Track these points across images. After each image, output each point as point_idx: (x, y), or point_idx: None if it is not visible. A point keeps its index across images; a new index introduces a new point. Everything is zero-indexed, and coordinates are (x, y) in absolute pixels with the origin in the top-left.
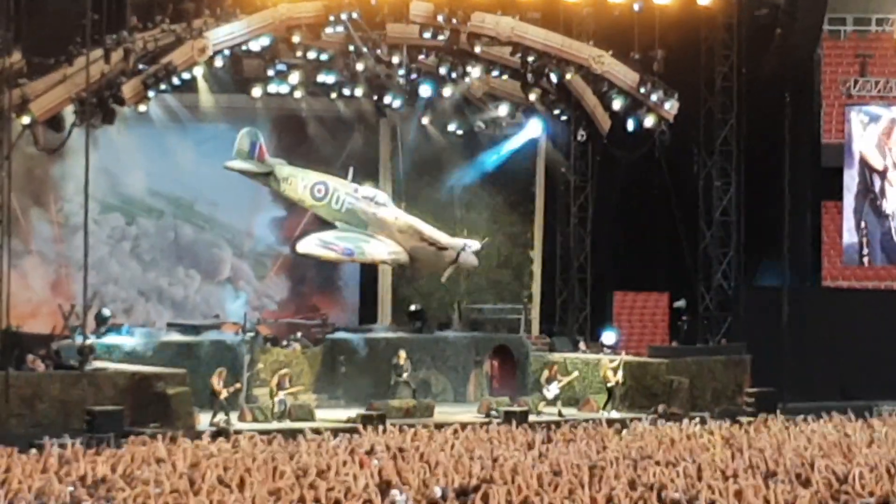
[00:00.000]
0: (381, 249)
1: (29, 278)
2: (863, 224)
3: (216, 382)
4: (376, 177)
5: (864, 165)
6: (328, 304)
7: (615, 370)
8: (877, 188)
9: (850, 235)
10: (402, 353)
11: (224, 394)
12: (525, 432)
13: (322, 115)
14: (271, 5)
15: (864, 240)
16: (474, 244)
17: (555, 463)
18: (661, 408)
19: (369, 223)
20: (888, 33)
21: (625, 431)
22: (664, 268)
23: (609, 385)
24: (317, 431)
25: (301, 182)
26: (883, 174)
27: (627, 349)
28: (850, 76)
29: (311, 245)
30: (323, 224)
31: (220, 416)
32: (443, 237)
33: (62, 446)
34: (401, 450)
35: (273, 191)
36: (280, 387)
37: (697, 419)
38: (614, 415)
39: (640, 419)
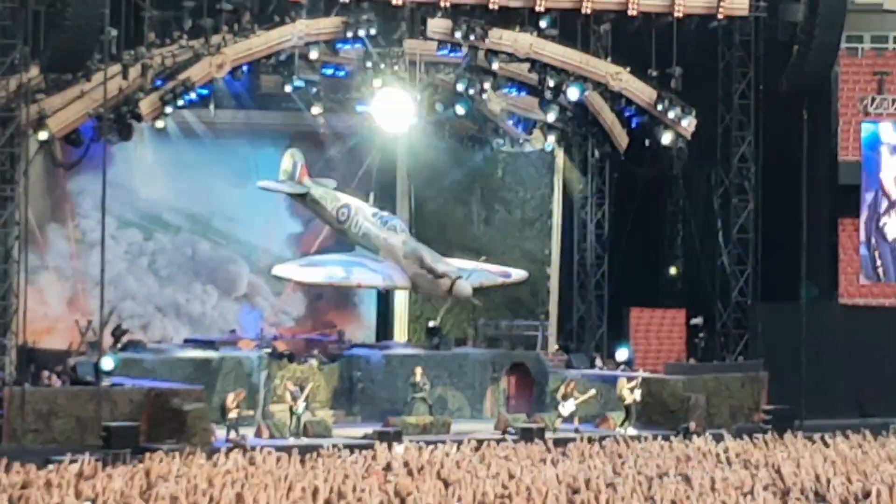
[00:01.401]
0: (372, 277)
1: (46, 294)
2: (873, 240)
3: (230, 401)
4: (394, 192)
5: (881, 188)
6: (345, 320)
7: (632, 389)
8: (881, 209)
9: (864, 248)
10: (419, 370)
11: (234, 413)
12: (541, 449)
13: (340, 132)
14: (289, 22)
15: (877, 253)
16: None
17: (571, 480)
18: (691, 425)
19: (380, 248)
20: None
21: (640, 448)
22: (681, 284)
23: (626, 403)
24: (333, 447)
25: (329, 204)
26: (892, 204)
27: (644, 366)
28: (867, 94)
29: (289, 268)
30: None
31: (234, 434)
32: (440, 265)
33: (79, 462)
34: (418, 466)
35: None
36: (294, 397)
37: (711, 436)
38: (631, 431)
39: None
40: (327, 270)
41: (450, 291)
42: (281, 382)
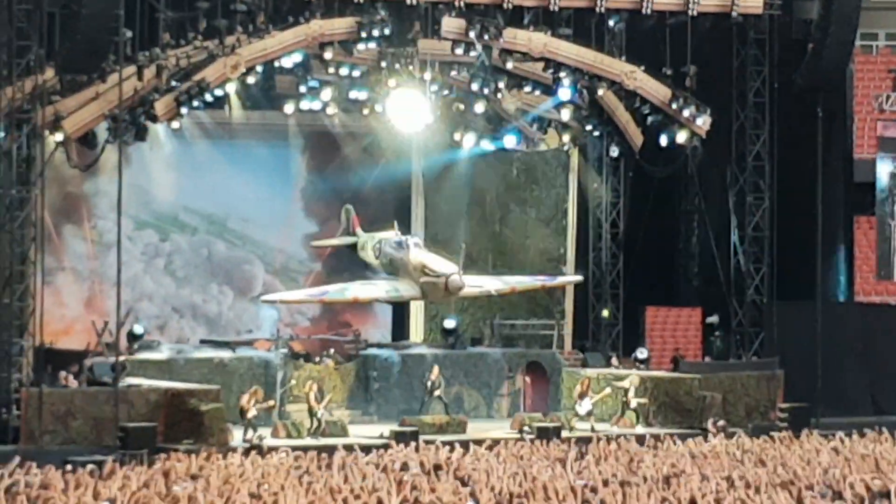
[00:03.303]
0: (373, 290)
1: (63, 295)
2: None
3: (245, 400)
4: (408, 192)
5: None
6: (361, 320)
7: (626, 391)
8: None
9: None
10: (436, 369)
11: (252, 412)
12: (558, 448)
13: (354, 132)
14: (303, 22)
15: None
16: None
17: (588, 479)
18: (720, 423)
19: (400, 268)
20: None
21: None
22: (697, 283)
23: (627, 404)
24: (349, 448)
25: (369, 244)
26: None
27: (660, 365)
28: (882, 91)
29: (278, 295)
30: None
31: (251, 433)
32: (437, 265)
33: (97, 463)
34: (435, 466)
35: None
36: (317, 399)
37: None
38: (638, 430)
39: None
40: (321, 289)
41: (446, 289)
42: (298, 383)
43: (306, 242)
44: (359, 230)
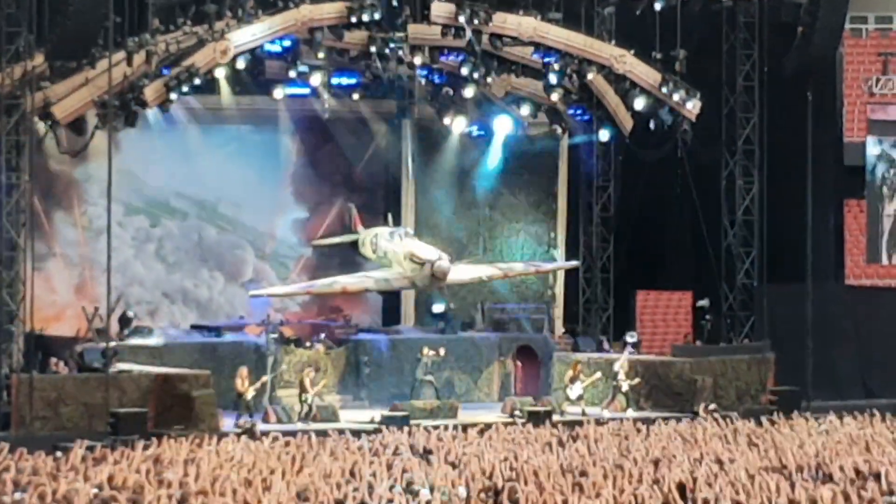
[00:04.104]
0: (362, 281)
1: (53, 281)
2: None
3: (239, 384)
4: (399, 177)
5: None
6: (351, 305)
7: (627, 374)
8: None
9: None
10: (426, 349)
11: (250, 392)
12: (549, 432)
13: (344, 117)
14: (293, 7)
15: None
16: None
17: (579, 463)
18: (712, 406)
19: (392, 260)
20: None
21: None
22: (687, 267)
23: (623, 390)
24: (341, 432)
25: (368, 240)
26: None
27: (651, 349)
28: (871, 75)
29: (266, 289)
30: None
31: (245, 418)
32: (423, 251)
33: (88, 448)
34: (426, 450)
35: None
36: (312, 384)
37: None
38: (629, 413)
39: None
40: (309, 283)
41: (433, 275)
42: (289, 368)
43: (297, 227)
44: (360, 228)
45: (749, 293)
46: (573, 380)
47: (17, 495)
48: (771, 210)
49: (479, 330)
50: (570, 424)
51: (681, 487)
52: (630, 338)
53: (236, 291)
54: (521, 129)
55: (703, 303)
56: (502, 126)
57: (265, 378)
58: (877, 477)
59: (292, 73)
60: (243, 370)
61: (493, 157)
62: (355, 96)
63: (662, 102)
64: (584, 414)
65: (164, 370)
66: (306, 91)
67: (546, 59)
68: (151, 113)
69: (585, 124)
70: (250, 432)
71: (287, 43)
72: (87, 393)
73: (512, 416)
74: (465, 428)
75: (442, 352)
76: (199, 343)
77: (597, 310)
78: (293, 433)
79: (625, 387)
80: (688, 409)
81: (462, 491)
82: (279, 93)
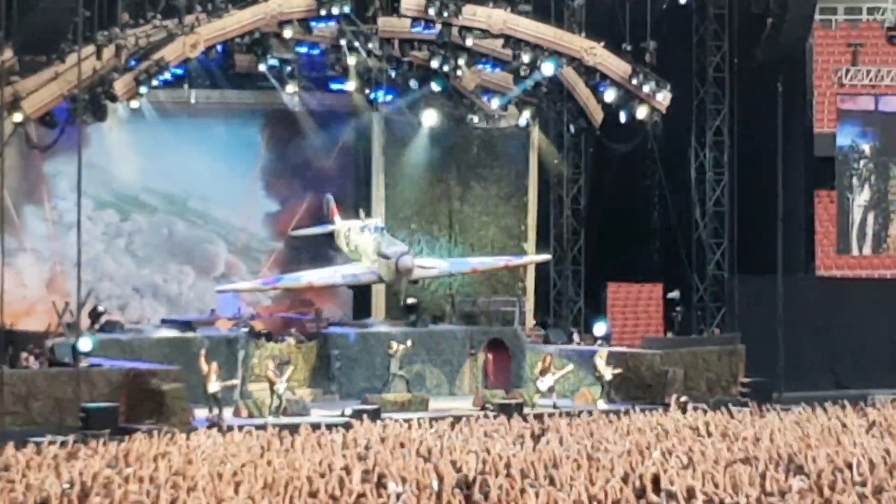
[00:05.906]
0: (329, 276)
1: (23, 276)
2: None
3: (203, 365)
4: (369, 170)
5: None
6: (322, 298)
7: (608, 364)
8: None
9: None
10: (394, 343)
11: (216, 386)
12: (520, 424)
13: (314, 110)
14: (262, 0)
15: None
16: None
17: (550, 455)
18: (683, 398)
19: (362, 255)
20: (879, 22)
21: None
22: (658, 258)
23: (603, 379)
24: (313, 426)
25: (343, 233)
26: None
27: (622, 341)
28: (841, 65)
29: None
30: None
31: (213, 412)
32: (388, 247)
33: (59, 444)
34: (397, 443)
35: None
36: (276, 375)
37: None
38: (602, 406)
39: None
40: (275, 278)
41: (397, 271)
42: (259, 362)
43: (267, 221)
44: (337, 218)
45: (720, 284)
46: (544, 372)
47: None
48: (741, 201)
49: (450, 323)
50: (542, 417)
51: (653, 479)
52: (598, 331)
53: (207, 286)
54: (491, 121)
55: (674, 294)
56: (473, 119)
57: (235, 381)
58: (848, 468)
59: (262, 67)
60: (206, 352)
61: (464, 150)
62: (325, 89)
63: (633, 94)
64: (555, 406)
65: (135, 365)
66: (276, 85)
67: (516, 52)
68: (121, 107)
69: (556, 116)
70: (219, 426)
71: (257, 36)
72: (58, 388)
73: (483, 408)
74: (436, 421)
75: (409, 343)
76: (170, 338)
77: (567, 302)
78: (264, 427)
79: (608, 375)
80: (659, 401)
81: (434, 484)
82: (249, 86)
